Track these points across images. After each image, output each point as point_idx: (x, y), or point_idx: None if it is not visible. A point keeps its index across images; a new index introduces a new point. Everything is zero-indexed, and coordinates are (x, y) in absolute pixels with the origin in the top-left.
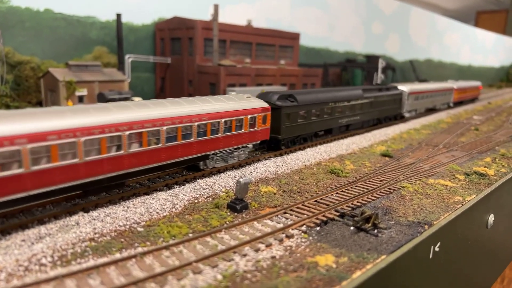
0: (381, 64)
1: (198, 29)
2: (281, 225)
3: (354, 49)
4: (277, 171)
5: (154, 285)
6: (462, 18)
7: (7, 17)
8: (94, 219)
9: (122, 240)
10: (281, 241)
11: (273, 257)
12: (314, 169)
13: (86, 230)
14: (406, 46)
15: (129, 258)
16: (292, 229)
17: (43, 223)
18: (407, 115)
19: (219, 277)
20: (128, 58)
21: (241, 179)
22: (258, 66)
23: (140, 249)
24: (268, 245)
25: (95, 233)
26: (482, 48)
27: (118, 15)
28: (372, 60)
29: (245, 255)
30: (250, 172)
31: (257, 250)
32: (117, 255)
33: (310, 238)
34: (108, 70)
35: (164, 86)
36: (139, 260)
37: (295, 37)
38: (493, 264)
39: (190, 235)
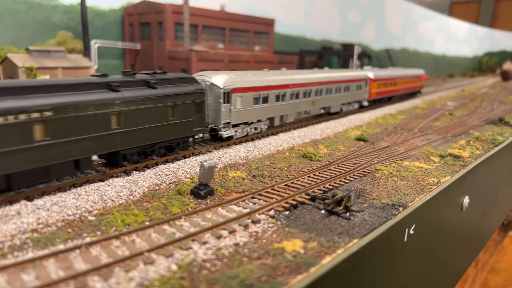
0: (356, 50)
1: (168, 13)
2: (247, 210)
3: (331, 37)
4: (248, 156)
5: (97, 279)
6: (436, 8)
7: None
8: (39, 208)
9: (70, 230)
10: (246, 227)
11: (236, 244)
12: (287, 153)
13: (29, 221)
14: (382, 34)
15: (72, 249)
16: (259, 214)
17: None
18: (229, 133)
19: (174, 267)
20: (95, 44)
21: (205, 163)
22: (232, 52)
23: (88, 239)
24: (232, 232)
25: (39, 224)
26: (456, 37)
27: None
28: (348, 48)
29: (205, 243)
30: (218, 157)
31: (219, 237)
32: (61, 247)
33: (278, 223)
34: (73, 56)
35: None
36: (84, 251)
37: (270, 23)
38: (468, 247)
39: (147, 223)
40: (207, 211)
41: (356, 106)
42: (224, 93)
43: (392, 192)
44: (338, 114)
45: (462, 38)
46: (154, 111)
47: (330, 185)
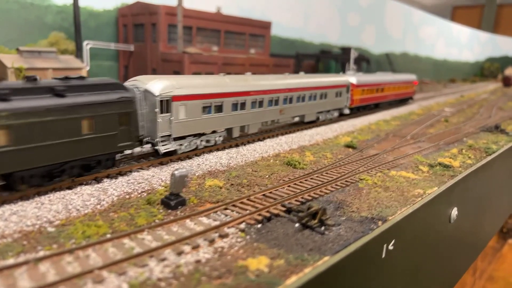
0: (353, 54)
1: (162, 15)
2: (217, 223)
3: (330, 41)
4: (230, 163)
5: None
6: (438, 13)
7: None
8: None
9: (25, 242)
10: (211, 241)
11: (198, 261)
12: (271, 160)
13: None
14: (382, 38)
15: (19, 265)
16: (228, 228)
17: None
18: (169, 148)
19: (125, 286)
20: (87, 45)
21: (176, 172)
22: (226, 54)
23: (41, 253)
24: (195, 247)
25: None
26: (457, 42)
27: None
28: (347, 52)
29: (163, 260)
30: (198, 164)
31: (180, 253)
32: (10, 261)
33: (248, 237)
34: (65, 57)
35: (127, 75)
36: (32, 267)
37: (266, 25)
38: (458, 259)
39: (108, 235)
40: (173, 223)
41: (335, 114)
42: (161, 101)
43: (374, 204)
44: (331, 120)
45: (464, 43)
46: (61, 124)
47: (309, 195)
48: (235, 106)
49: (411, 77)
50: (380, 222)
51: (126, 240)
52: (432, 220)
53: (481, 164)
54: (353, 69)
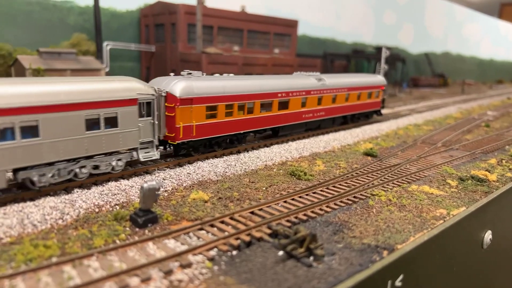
0: (384, 53)
1: (181, 14)
2: (184, 248)
3: (364, 40)
4: (226, 172)
5: None
6: (485, 10)
7: None
8: None
9: None
10: (168, 273)
11: None
12: (275, 170)
13: None
14: (421, 37)
15: None
16: (195, 255)
17: None
18: None
19: None
20: (107, 46)
21: (145, 184)
22: (247, 54)
23: None
24: (145, 280)
25: None
26: (505, 41)
27: None
28: (381, 51)
29: None
30: (188, 173)
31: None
32: None
33: (215, 268)
34: (85, 58)
35: (149, 76)
36: None
37: (292, 24)
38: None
39: (54, 259)
40: (131, 247)
41: (114, 163)
42: None
43: (382, 227)
44: (353, 123)
45: None
46: None
47: (304, 214)
48: None
49: (375, 79)
50: (385, 252)
51: (67, 268)
52: (458, 247)
53: None
54: (384, 69)
